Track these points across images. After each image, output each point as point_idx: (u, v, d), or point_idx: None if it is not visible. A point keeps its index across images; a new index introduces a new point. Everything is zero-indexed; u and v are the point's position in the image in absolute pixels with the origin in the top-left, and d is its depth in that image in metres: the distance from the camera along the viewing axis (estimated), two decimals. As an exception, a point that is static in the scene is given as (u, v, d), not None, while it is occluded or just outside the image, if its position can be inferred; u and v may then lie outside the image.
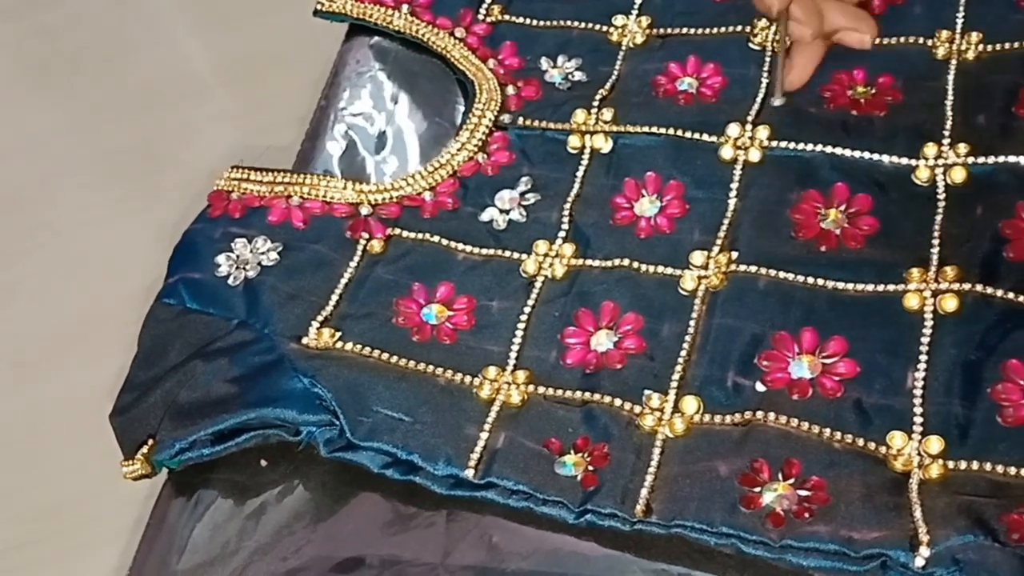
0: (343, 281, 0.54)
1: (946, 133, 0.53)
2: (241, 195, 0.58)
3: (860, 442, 0.45)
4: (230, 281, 0.54)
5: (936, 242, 0.50)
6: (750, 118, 0.56)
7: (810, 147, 0.54)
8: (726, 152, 0.55)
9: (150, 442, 0.50)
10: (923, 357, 0.46)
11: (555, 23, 0.64)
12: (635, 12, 0.63)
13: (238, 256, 0.55)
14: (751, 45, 0.60)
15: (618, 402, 0.48)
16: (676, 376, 0.48)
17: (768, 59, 0.59)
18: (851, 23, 0.55)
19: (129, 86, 1.00)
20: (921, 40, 0.58)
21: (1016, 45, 0.56)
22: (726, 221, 0.53)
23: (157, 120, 0.96)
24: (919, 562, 0.40)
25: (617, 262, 0.53)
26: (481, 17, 0.65)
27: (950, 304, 0.47)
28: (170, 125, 0.95)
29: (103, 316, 0.68)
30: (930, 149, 0.53)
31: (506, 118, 0.60)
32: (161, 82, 1.00)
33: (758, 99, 0.57)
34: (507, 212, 0.56)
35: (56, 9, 1.07)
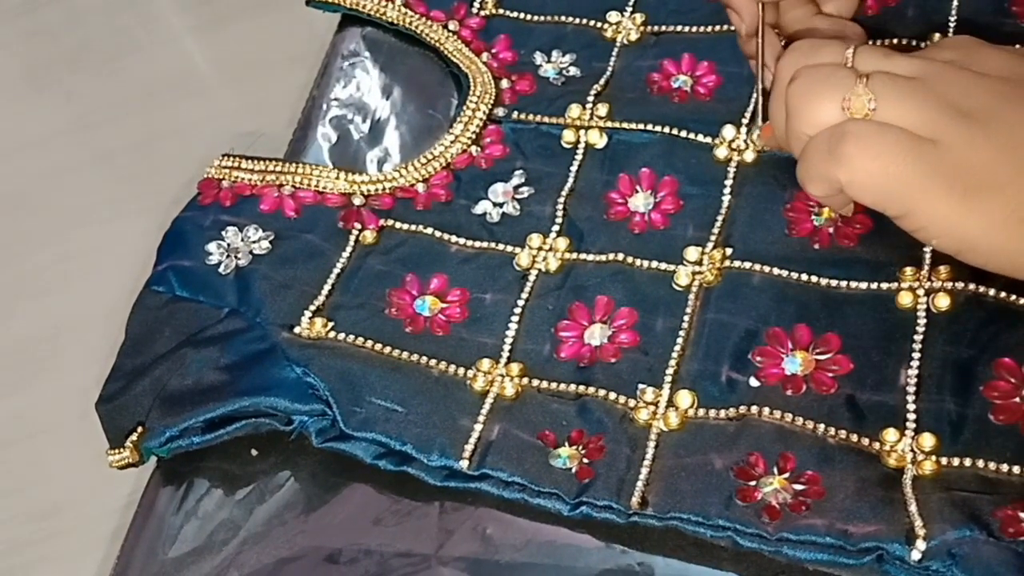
0: (335, 271, 0.54)
1: (939, 134, 0.54)
2: (232, 183, 0.58)
3: (854, 438, 0.45)
4: (221, 269, 0.54)
5: (929, 241, 0.50)
6: (745, 119, 0.56)
7: (803, 146, 0.55)
8: (721, 152, 0.55)
9: (139, 430, 0.50)
10: (916, 355, 0.47)
11: (549, 18, 0.64)
12: (629, 9, 0.63)
13: (229, 244, 0.55)
14: (745, 44, 0.60)
15: (612, 395, 0.48)
16: (670, 370, 0.48)
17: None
18: (840, 33, 0.55)
19: (129, 86, 0.99)
20: (914, 42, 0.58)
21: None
22: (720, 218, 0.53)
23: (157, 120, 0.96)
24: (915, 555, 0.40)
25: (611, 256, 0.53)
26: (475, 10, 0.65)
27: (943, 302, 0.47)
28: (170, 125, 0.95)
29: (103, 316, 0.68)
30: (923, 149, 0.53)
31: (500, 111, 0.60)
32: (161, 82, 1.00)
33: (753, 99, 0.57)
34: (501, 205, 0.56)
35: (56, 9, 1.06)
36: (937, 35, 0.58)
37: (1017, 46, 0.56)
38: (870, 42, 0.57)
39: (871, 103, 0.41)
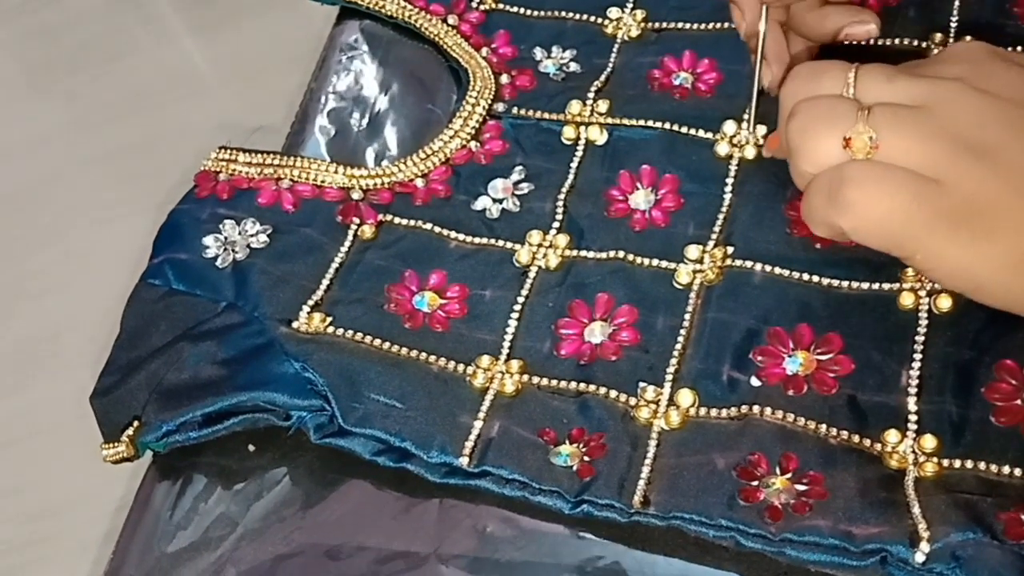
0: (334, 266, 0.53)
1: (941, 134, 0.54)
2: (229, 176, 0.57)
3: (856, 439, 0.45)
4: (218, 263, 0.54)
5: (931, 242, 0.50)
6: (746, 115, 0.56)
7: (805, 145, 0.54)
8: (722, 148, 0.55)
9: (135, 424, 0.49)
10: (917, 355, 0.47)
11: (549, 13, 0.64)
12: (630, 5, 0.63)
13: (226, 238, 0.54)
14: (746, 42, 0.60)
15: (613, 393, 0.48)
16: (671, 369, 0.48)
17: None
18: (854, 16, 0.54)
19: (129, 86, 0.99)
20: (915, 42, 0.58)
21: (1009, 50, 0.56)
22: (721, 216, 0.53)
23: (157, 120, 0.96)
24: (919, 558, 0.40)
25: (612, 254, 0.52)
26: (474, 5, 0.65)
27: (944, 303, 0.47)
28: (170, 125, 0.95)
29: (102, 316, 0.68)
30: (925, 150, 0.53)
31: (500, 107, 0.59)
32: (161, 82, 0.99)
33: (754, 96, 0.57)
34: (500, 201, 0.56)
35: (56, 9, 1.06)
36: (938, 35, 0.58)
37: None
38: (872, 42, 0.57)
39: (873, 141, 0.39)
